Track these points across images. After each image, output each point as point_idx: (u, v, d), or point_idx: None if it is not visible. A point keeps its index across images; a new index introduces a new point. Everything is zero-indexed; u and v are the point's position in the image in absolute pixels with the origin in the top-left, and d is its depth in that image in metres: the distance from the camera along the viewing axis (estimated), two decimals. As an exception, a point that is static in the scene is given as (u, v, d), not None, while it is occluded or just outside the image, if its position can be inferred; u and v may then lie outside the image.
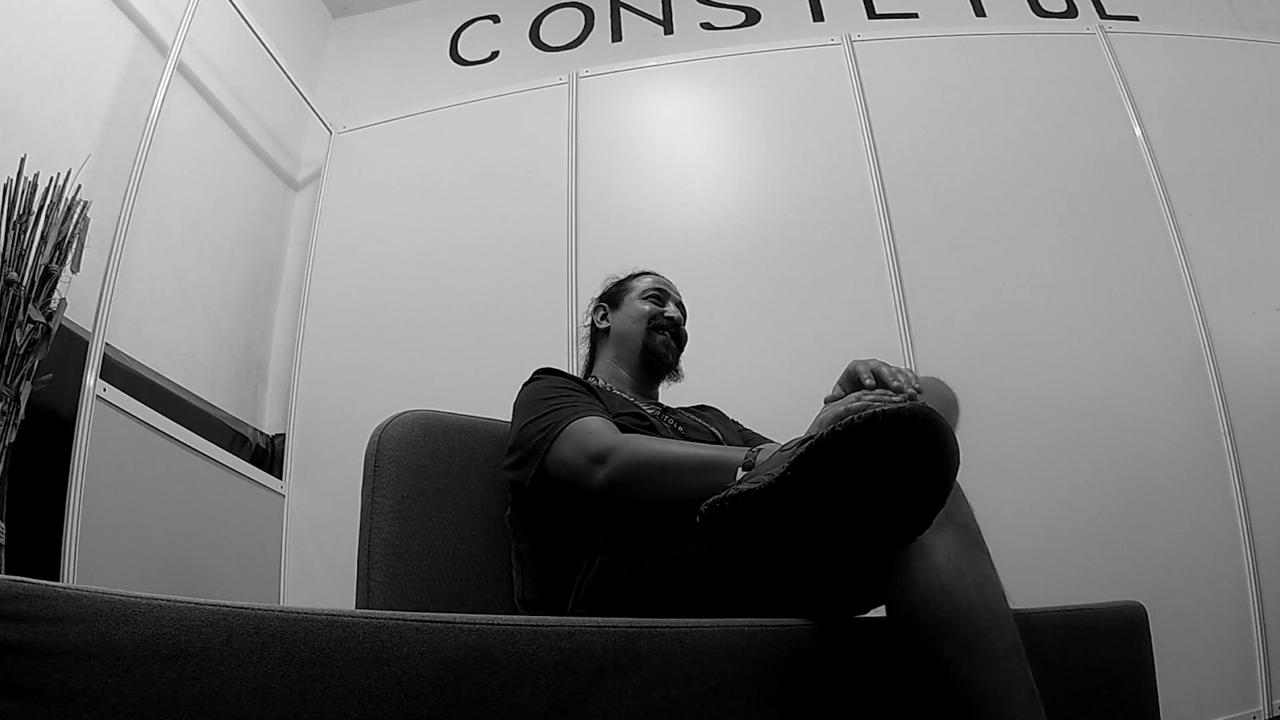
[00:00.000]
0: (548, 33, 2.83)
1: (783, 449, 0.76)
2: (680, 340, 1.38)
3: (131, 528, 1.59)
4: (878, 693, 0.77)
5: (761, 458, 0.83)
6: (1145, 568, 1.76)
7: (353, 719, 0.54)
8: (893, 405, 0.65)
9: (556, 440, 1.03)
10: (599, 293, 1.47)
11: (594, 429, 1.02)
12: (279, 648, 0.53)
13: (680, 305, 1.42)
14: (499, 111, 2.52)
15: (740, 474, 0.84)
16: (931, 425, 0.65)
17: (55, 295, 1.47)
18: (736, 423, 1.39)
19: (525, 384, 1.20)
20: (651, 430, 1.13)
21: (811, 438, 0.68)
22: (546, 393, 1.13)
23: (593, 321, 1.43)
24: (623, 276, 1.46)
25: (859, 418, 0.65)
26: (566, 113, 2.44)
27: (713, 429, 1.26)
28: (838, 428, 0.65)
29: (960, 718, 0.67)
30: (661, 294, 1.40)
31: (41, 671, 0.47)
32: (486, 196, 2.39)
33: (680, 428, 1.23)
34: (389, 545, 1.06)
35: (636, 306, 1.37)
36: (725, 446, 1.03)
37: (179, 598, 0.52)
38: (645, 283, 1.41)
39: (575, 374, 1.35)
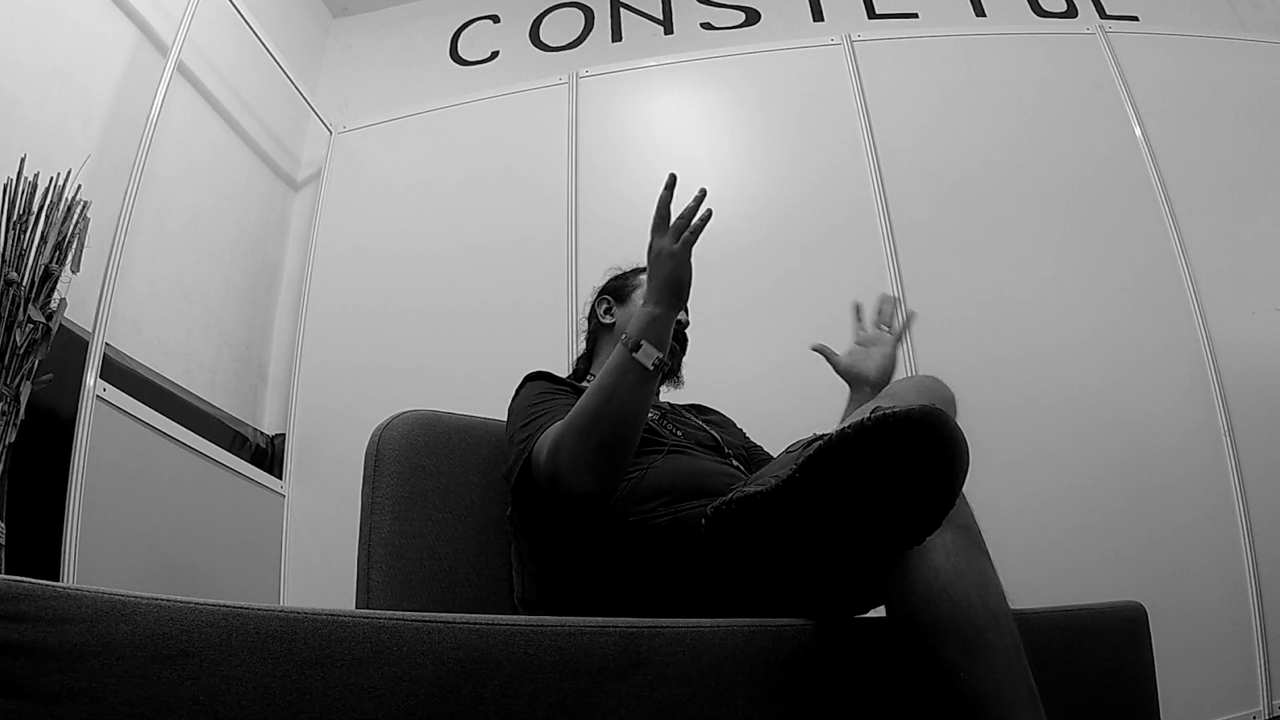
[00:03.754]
0: (548, 33, 2.83)
1: (788, 450, 0.76)
2: (684, 345, 1.36)
3: (131, 528, 1.59)
4: (878, 693, 0.77)
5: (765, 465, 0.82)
6: (1145, 568, 1.76)
7: (353, 719, 0.54)
8: (903, 408, 0.64)
9: (530, 458, 1.02)
10: (602, 284, 1.41)
11: (547, 442, 1.00)
12: (279, 648, 0.53)
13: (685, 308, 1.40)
14: (499, 111, 2.52)
15: (631, 351, 0.92)
16: (942, 427, 0.64)
17: (55, 295, 1.47)
18: (742, 431, 1.38)
19: (517, 389, 1.19)
20: (651, 432, 1.12)
21: (820, 439, 0.68)
22: (532, 399, 1.12)
23: (595, 314, 1.38)
24: (627, 269, 1.41)
25: (869, 419, 0.64)
26: (566, 113, 2.44)
27: (713, 432, 1.26)
28: (847, 429, 0.65)
29: (960, 718, 0.67)
30: None
31: (41, 671, 0.47)
32: (486, 196, 2.39)
33: (680, 433, 1.22)
34: (389, 545, 1.06)
35: None
36: (608, 366, 0.98)
37: (179, 598, 0.52)
38: None
39: (569, 371, 1.34)
